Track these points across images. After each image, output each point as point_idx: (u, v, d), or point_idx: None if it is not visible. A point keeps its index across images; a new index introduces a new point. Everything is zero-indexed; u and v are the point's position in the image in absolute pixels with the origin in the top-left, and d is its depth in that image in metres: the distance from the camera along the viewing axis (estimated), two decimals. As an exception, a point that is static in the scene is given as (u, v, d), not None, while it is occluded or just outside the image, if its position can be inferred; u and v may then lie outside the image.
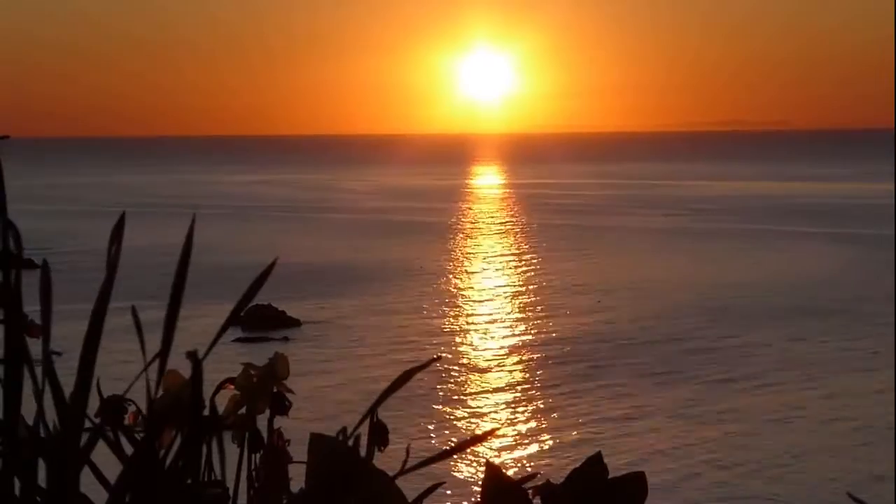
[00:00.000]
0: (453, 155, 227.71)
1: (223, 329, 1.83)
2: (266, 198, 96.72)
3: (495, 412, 25.49)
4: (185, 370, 1.90)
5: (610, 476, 2.36)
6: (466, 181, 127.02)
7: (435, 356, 1.94)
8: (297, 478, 2.14)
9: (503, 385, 28.03)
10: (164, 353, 1.80)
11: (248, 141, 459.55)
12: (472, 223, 72.31)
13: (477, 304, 39.83)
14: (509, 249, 57.51)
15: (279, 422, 2.17)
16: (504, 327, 35.46)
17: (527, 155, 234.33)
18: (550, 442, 23.21)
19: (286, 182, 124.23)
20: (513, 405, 26.21)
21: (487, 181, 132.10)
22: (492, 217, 77.92)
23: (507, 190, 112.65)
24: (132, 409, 2.03)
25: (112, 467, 1.84)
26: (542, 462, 21.67)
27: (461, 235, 63.66)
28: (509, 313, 37.98)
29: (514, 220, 75.77)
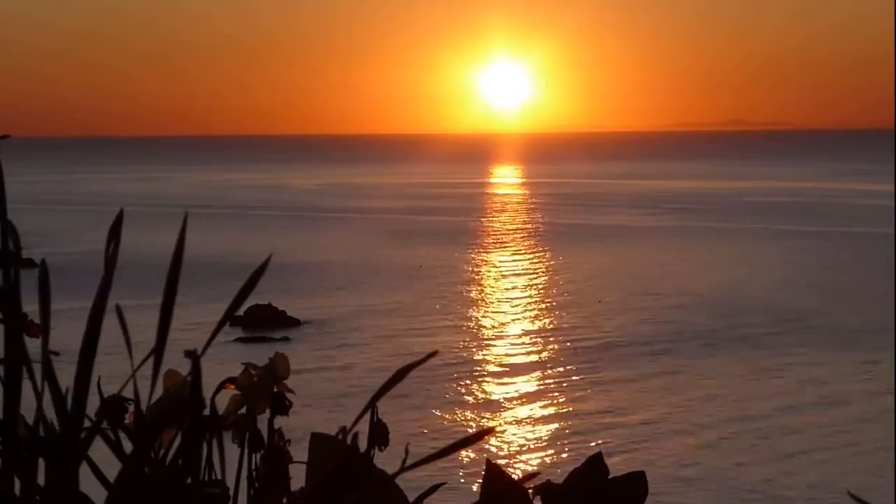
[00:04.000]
0: (465, 154, 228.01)
1: (220, 326, 1.83)
2: (290, 195, 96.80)
3: (494, 411, 25.49)
4: (182, 368, 1.90)
5: (610, 475, 2.36)
6: (470, 180, 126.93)
7: (432, 352, 1.93)
8: (298, 477, 2.13)
9: (502, 384, 28.02)
10: (158, 352, 1.80)
11: (280, 140, 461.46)
12: (471, 222, 72.27)
13: (476, 302, 39.82)
14: (510, 248, 57.50)
15: (279, 421, 2.17)
16: (503, 326, 35.46)
17: (537, 154, 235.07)
18: (551, 441, 23.21)
19: (317, 178, 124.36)
20: (512, 404, 26.20)
21: (492, 179, 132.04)
22: (493, 216, 77.91)
23: (510, 188, 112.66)
24: (133, 408, 2.03)
25: (113, 467, 1.84)
26: (543, 461, 21.67)
27: (461, 235, 63.62)
28: (509, 312, 37.97)
29: (516, 218, 75.76)
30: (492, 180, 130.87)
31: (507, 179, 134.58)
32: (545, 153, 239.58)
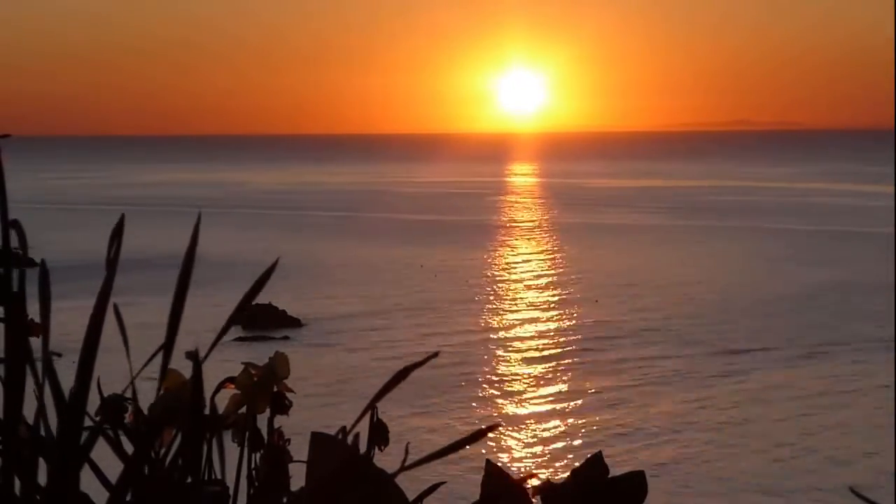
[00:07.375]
0: (477, 153, 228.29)
1: (225, 328, 1.83)
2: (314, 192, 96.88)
3: (494, 411, 25.49)
4: (184, 369, 1.90)
5: (610, 475, 2.36)
6: (474, 179, 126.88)
7: (433, 353, 1.95)
8: (298, 477, 2.14)
9: (502, 383, 28.02)
10: (167, 350, 1.80)
11: (301, 139, 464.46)
12: (473, 221, 72.25)
13: (476, 301, 39.80)
14: (509, 247, 57.49)
15: (279, 421, 2.17)
16: (503, 326, 35.44)
17: (545, 153, 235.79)
18: (551, 441, 23.22)
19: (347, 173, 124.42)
20: (512, 404, 26.20)
21: (491, 179, 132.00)
22: (493, 215, 77.87)
23: (511, 188, 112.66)
24: (132, 408, 2.03)
25: (113, 466, 1.84)
26: (544, 461, 21.68)
27: (462, 234, 63.60)
28: (508, 312, 37.96)
29: (516, 218, 75.75)
30: (493, 179, 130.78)
31: (505, 178, 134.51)
32: (552, 153, 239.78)
